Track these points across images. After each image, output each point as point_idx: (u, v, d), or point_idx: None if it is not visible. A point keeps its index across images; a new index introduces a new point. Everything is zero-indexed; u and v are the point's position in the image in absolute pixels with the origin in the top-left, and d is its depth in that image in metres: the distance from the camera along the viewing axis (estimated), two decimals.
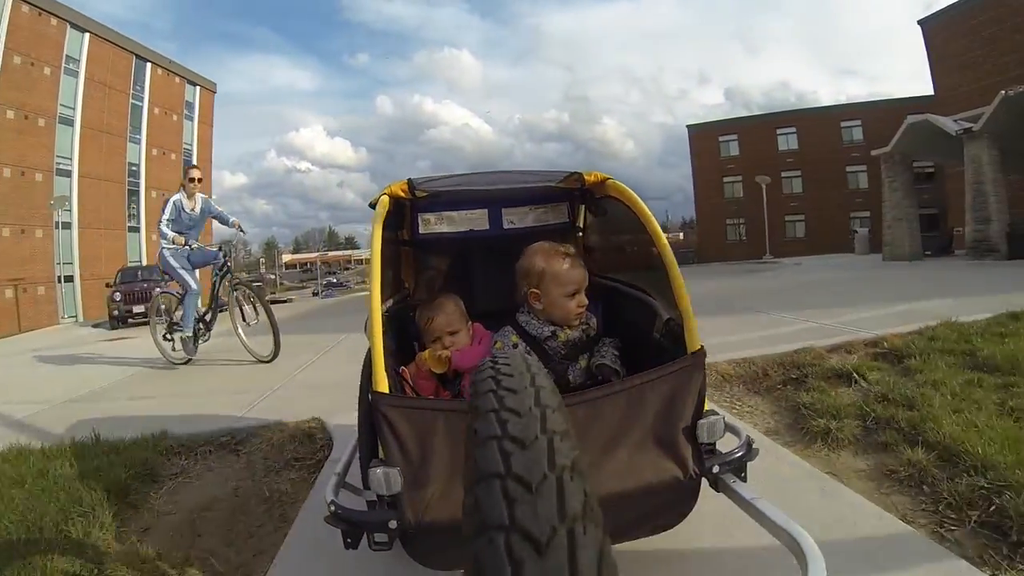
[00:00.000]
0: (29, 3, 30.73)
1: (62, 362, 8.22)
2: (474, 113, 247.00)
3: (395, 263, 2.36)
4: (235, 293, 6.30)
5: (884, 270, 14.04)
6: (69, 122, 32.94)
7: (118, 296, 16.84)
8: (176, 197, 6.31)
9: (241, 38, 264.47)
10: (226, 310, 6.47)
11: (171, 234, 6.06)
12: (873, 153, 19.29)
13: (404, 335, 2.22)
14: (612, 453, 1.46)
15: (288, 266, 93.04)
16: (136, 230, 37.36)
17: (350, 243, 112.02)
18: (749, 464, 1.59)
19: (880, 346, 4.15)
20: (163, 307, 6.99)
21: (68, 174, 32.72)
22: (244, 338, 6.40)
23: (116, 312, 16.80)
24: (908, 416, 2.78)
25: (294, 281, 72.56)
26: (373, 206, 1.90)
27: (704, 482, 1.56)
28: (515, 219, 2.51)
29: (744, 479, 1.53)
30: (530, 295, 1.98)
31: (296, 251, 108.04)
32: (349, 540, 1.38)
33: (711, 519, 1.85)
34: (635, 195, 1.91)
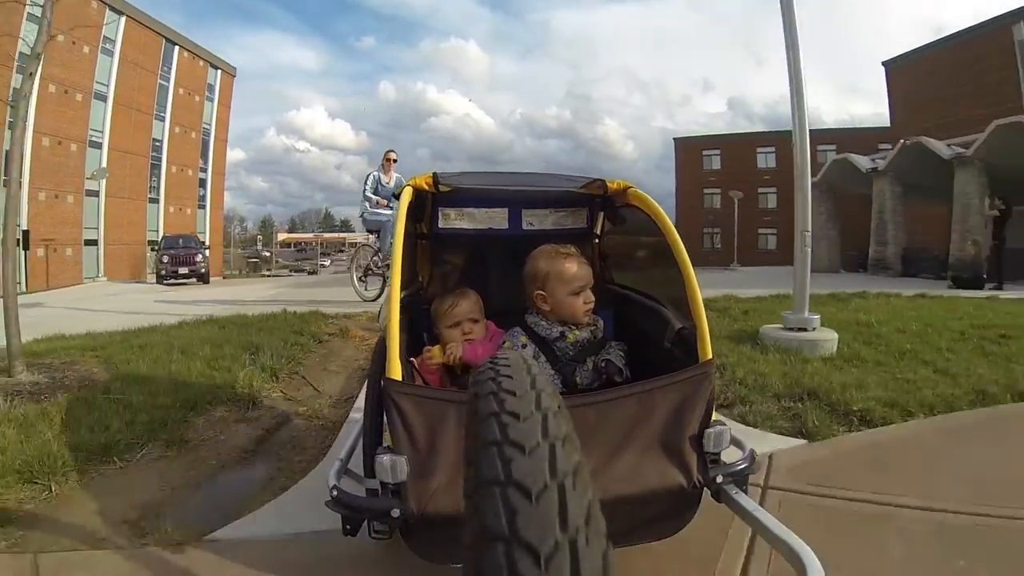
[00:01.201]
0: None
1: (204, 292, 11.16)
2: (475, 104, 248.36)
3: (411, 256, 2.33)
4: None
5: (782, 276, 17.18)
6: (103, 98, 35.65)
7: (166, 259, 20.21)
8: (375, 172, 8.08)
9: (249, 13, 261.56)
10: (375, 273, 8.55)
11: (375, 198, 7.80)
12: (811, 181, 22.64)
13: (415, 327, 2.19)
14: (618, 456, 1.45)
15: (283, 244, 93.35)
16: (156, 201, 40.10)
17: (345, 226, 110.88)
18: None
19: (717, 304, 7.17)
20: (360, 257, 9.06)
21: (99, 146, 35.42)
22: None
23: (164, 272, 20.03)
24: None
25: (289, 260, 73.21)
26: (397, 196, 1.87)
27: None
28: (534, 221, 2.49)
29: (746, 491, 1.54)
30: (536, 297, 1.99)
31: (292, 230, 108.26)
32: (348, 527, 1.41)
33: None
34: (657, 205, 1.91)
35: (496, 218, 2.47)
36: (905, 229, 17.92)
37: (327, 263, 63.67)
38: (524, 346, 1.95)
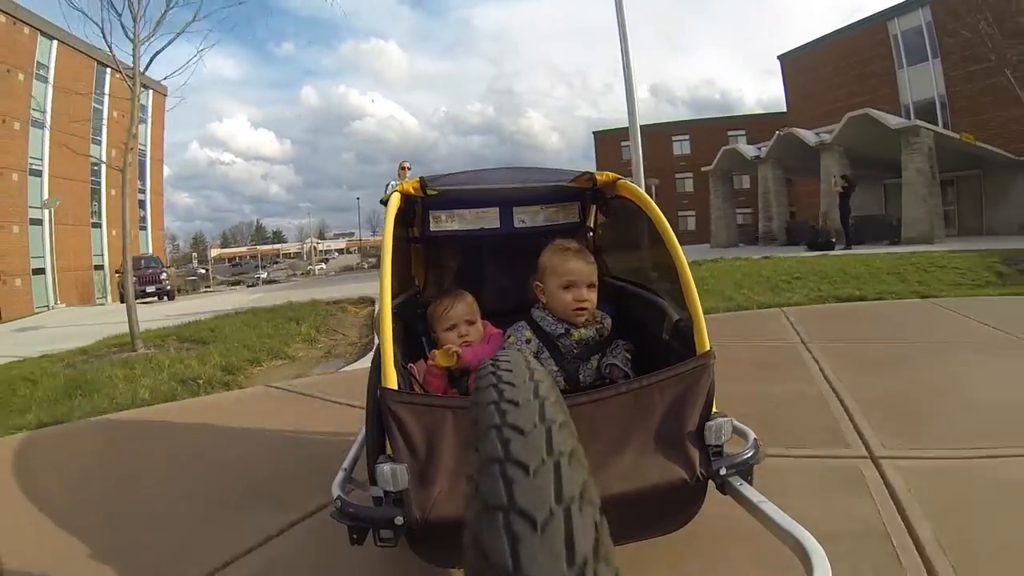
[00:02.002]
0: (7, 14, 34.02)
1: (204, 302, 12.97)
2: (400, 105, 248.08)
3: (405, 260, 2.38)
4: None
5: (696, 252, 19.92)
6: (40, 125, 36.18)
7: (134, 279, 21.59)
8: (392, 182, 10.99)
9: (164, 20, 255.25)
10: None
11: None
12: (702, 169, 25.75)
13: (412, 332, 2.21)
14: (619, 453, 1.45)
15: (217, 260, 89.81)
16: (99, 226, 40.73)
17: (278, 237, 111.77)
18: None
19: None
20: None
21: (40, 174, 36.02)
22: None
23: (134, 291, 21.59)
24: None
25: (225, 275, 71.65)
26: (385, 203, 1.90)
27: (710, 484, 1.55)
28: (526, 218, 2.49)
29: (751, 482, 1.52)
30: (535, 288, 2.03)
31: (224, 245, 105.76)
32: (355, 536, 1.41)
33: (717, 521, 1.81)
34: (646, 195, 1.92)
35: (487, 218, 2.46)
36: (787, 206, 21.08)
37: (264, 274, 63.43)
38: (528, 341, 1.95)
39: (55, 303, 33.68)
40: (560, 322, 1.96)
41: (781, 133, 19.78)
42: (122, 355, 6.04)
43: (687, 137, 49.67)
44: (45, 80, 36.71)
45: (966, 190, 23.75)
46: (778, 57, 35.99)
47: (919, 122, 17.35)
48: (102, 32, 6.58)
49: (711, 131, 48.02)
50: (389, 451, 1.41)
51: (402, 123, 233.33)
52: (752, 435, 1.65)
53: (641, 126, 38.37)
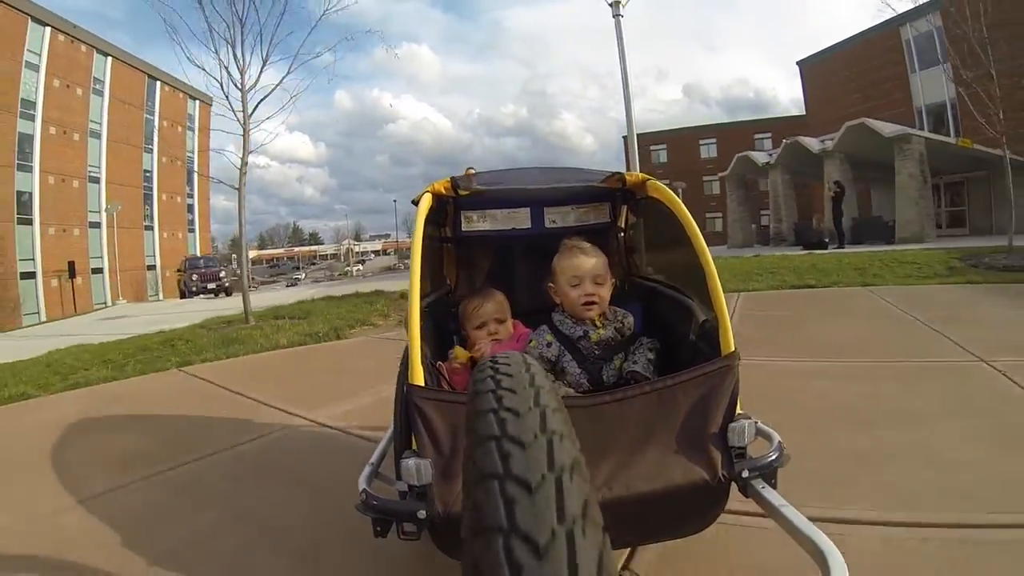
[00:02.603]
0: (67, 34, 36.64)
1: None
2: (433, 107, 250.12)
3: (436, 259, 2.40)
4: None
5: (713, 252, 21.45)
6: (98, 136, 38.85)
7: (195, 276, 24.06)
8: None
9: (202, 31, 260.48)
10: None
11: None
12: (719, 175, 27.03)
13: (443, 330, 2.25)
14: (642, 453, 1.45)
15: (255, 262, 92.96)
16: (151, 228, 43.29)
17: (314, 239, 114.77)
18: None
19: None
20: None
21: (98, 181, 38.63)
22: None
23: (194, 288, 23.92)
24: None
25: (263, 276, 74.61)
26: (416, 203, 1.92)
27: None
28: (557, 218, 2.51)
29: (774, 485, 1.51)
30: (548, 289, 2.06)
31: (261, 247, 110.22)
32: (378, 528, 1.43)
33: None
34: (675, 195, 1.90)
35: (518, 218, 2.48)
36: (796, 208, 22.32)
37: (302, 275, 65.50)
38: (549, 344, 1.96)
39: (111, 300, 36.08)
40: (578, 324, 1.97)
41: (788, 141, 21.18)
42: (241, 326, 7.83)
43: (714, 140, 50.57)
44: (101, 94, 39.28)
45: (976, 191, 24.57)
46: (797, 63, 36.92)
47: (909, 130, 18.42)
48: (220, 85, 8.20)
49: (738, 134, 48.73)
50: (415, 446, 1.43)
51: (436, 125, 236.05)
52: (777, 438, 1.62)
53: (669, 130, 39.74)
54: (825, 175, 19.29)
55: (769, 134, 47.75)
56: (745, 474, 1.47)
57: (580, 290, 1.97)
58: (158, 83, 44.76)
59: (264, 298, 15.71)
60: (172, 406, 4.34)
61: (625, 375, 1.92)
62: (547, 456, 0.73)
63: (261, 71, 8.06)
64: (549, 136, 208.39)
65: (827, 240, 17.29)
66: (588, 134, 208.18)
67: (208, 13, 8.05)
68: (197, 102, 49.67)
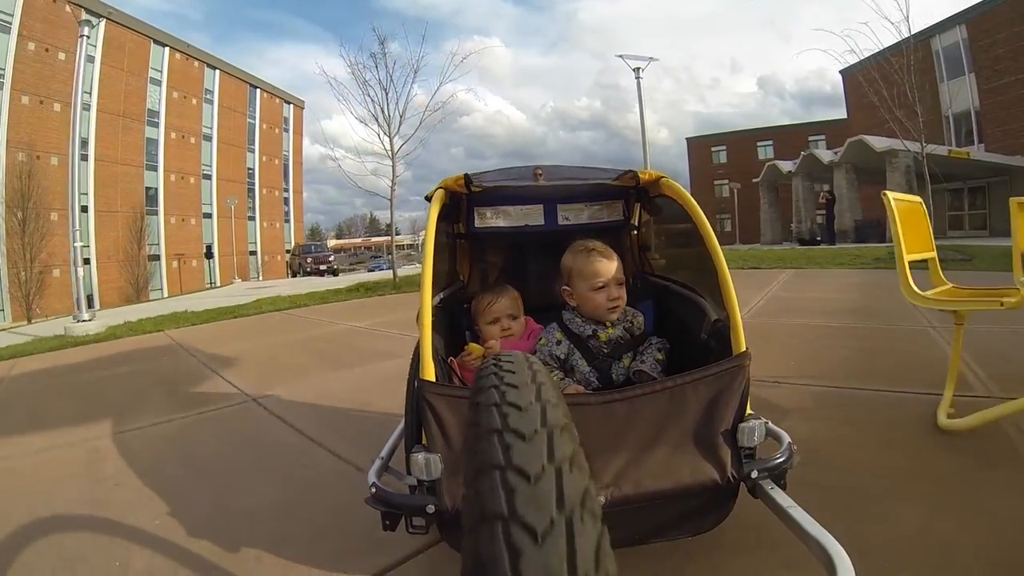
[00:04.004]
0: (183, 52, 42.53)
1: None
2: (507, 100, 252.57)
3: (450, 255, 2.40)
4: None
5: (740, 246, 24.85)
6: (209, 139, 44.76)
7: (309, 259, 31.08)
8: None
9: (275, 28, 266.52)
10: None
11: None
12: (753, 180, 30.21)
13: (456, 326, 2.26)
14: (651, 452, 1.44)
15: (334, 250, 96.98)
16: (253, 219, 49.24)
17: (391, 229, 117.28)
18: None
19: None
20: None
21: (210, 178, 44.52)
22: None
23: (308, 269, 30.40)
24: None
25: (345, 265, 79.51)
26: (428, 199, 1.91)
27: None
28: (570, 216, 2.50)
29: (783, 486, 1.50)
30: (563, 292, 2.03)
31: (339, 236, 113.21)
32: (387, 522, 1.44)
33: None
34: (688, 194, 1.89)
35: (531, 215, 2.47)
36: (813, 210, 25.45)
37: (385, 263, 70.35)
38: (559, 342, 1.96)
39: (219, 281, 41.63)
40: (588, 323, 1.97)
41: (805, 153, 24.42)
42: (390, 291, 10.60)
43: (770, 142, 52.44)
44: (211, 102, 45.16)
45: (995, 195, 26.76)
46: (840, 71, 39.16)
47: (896, 145, 20.97)
48: (378, 135, 12.40)
49: (793, 136, 49.88)
50: (425, 441, 1.44)
51: (509, 118, 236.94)
52: (787, 439, 1.58)
53: (729, 132, 42.79)
54: (835, 182, 22.47)
55: (823, 136, 49.15)
56: (754, 475, 1.46)
57: (605, 293, 1.93)
58: (258, 91, 50.52)
59: (357, 278, 18.24)
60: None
61: (632, 375, 1.91)
62: (547, 449, 0.74)
63: (400, 124, 12.06)
64: (623, 130, 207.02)
65: (819, 239, 20.65)
66: (663, 128, 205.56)
67: (372, 96, 12.11)
68: (291, 105, 55.70)
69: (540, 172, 2.00)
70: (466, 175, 1.99)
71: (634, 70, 14.54)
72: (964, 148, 24.56)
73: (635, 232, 2.57)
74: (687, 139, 58.27)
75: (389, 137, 11.87)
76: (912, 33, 14.82)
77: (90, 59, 34.92)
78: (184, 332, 7.38)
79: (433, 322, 1.54)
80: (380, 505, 1.42)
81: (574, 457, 0.74)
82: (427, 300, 1.55)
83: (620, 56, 14.53)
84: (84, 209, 34.47)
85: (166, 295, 35.90)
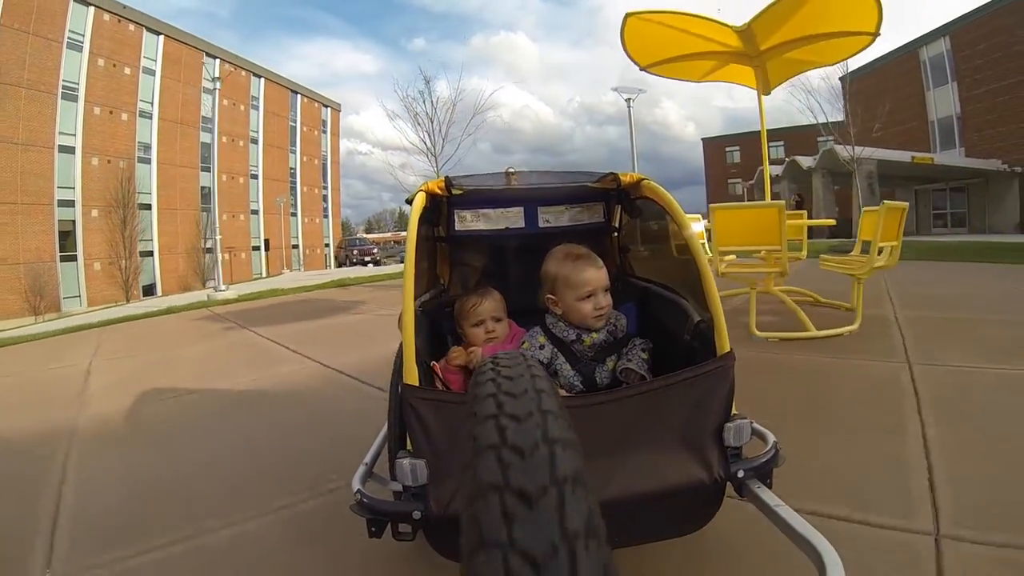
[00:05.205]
0: (232, 64, 46.51)
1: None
2: (534, 95, 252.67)
3: (431, 258, 2.40)
4: None
5: None
6: (255, 141, 48.83)
7: (355, 251, 35.29)
8: None
9: (302, 23, 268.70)
10: None
11: None
12: (749, 183, 33.17)
13: (437, 330, 2.23)
14: (638, 453, 1.44)
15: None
16: (295, 215, 53.32)
17: None
18: None
19: None
20: None
21: (256, 177, 48.57)
22: None
23: (354, 260, 34.46)
24: None
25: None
26: (410, 202, 1.90)
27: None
28: (551, 218, 2.48)
29: (770, 485, 1.51)
30: (547, 301, 1.98)
31: (368, 231, 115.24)
32: (373, 529, 1.42)
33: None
34: (669, 196, 1.88)
35: (512, 217, 2.46)
36: (793, 210, 28.54)
37: None
38: (542, 347, 1.93)
39: (266, 272, 45.48)
40: (572, 328, 1.93)
41: (787, 160, 27.41)
42: None
43: (781, 143, 54.68)
44: (257, 108, 49.19)
45: (974, 196, 29.03)
46: (840, 78, 41.67)
47: (860, 154, 23.88)
48: (427, 157, 15.68)
49: (801, 138, 51.38)
50: (410, 447, 1.42)
51: (537, 113, 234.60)
52: (772, 438, 1.60)
53: (742, 133, 45.78)
54: (813, 187, 25.50)
55: (832, 137, 51.62)
56: (741, 474, 1.46)
57: (593, 302, 1.90)
58: (298, 96, 54.48)
59: (399, 268, 21.79)
60: None
61: (619, 374, 1.88)
62: (549, 467, 0.71)
63: (443, 142, 15.29)
64: (651, 125, 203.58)
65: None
66: (691, 122, 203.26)
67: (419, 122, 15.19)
68: (329, 109, 59.70)
69: (513, 173, 2.03)
70: (446, 177, 2.01)
71: (626, 100, 17.41)
72: (928, 154, 27.31)
73: (616, 234, 2.57)
74: (703, 139, 60.90)
75: (435, 156, 15.25)
76: (849, 71, 17.80)
77: (151, 72, 39.26)
78: (295, 295, 10.94)
79: (416, 325, 1.51)
80: (365, 512, 1.40)
81: (577, 476, 0.71)
82: (409, 303, 1.54)
83: (614, 89, 17.39)
84: (147, 207, 38.69)
85: (220, 284, 39.52)
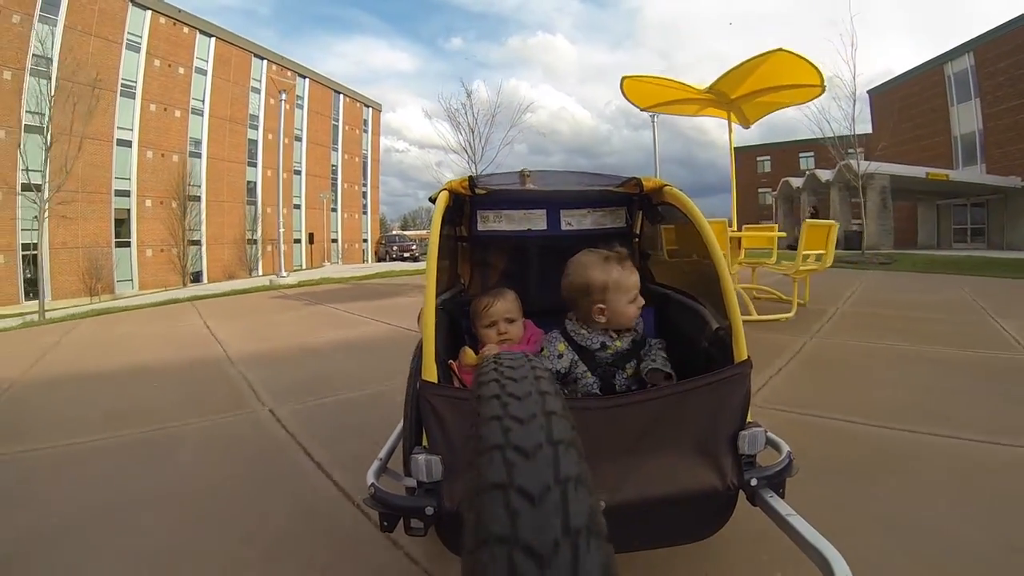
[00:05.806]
0: (278, 64, 48.76)
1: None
2: (572, 97, 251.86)
3: (452, 257, 2.39)
4: None
5: None
6: (299, 139, 51.11)
7: (395, 247, 37.38)
8: None
9: (340, 22, 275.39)
10: None
11: None
12: (772, 195, 34.34)
13: (456, 328, 2.23)
14: (653, 457, 1.45)
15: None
16: (336, 211, 55.78)
17: None
18: None
19: None
20: None
21: (299, 173, 50.90)
22: None
23: (393, 254, 36.62)
24: None
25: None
26: (433, 200, 1.92)
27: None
28: (573, 221, 2.49)
29: (782, 495, 1.52)
30: (595, 311, 1.91)
31: (404, 228, 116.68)
32: (386, 523, 1.44)
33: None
34: (691, 202, 1.88)
35: (534, 219, 2.46)
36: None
37: None
38: (561, 356, 1.91)
39: (305, 264, 47.43)
40: (594, 334, 1.91)
41: (808, 172, 28.71)
42: None
43: (812, 153, 54.45)
44: (301, 107, 51.46)
45: (994, 212, 29.79)
46: (868, 91, 42.18)
47: (873, 169, 24.69)
48: (466, 161, 17.02)
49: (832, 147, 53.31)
50: (425, 443, 1.44)
51: (574, 115, 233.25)
52: (786, 447, 1.61)
53: (773, 143, 48.35)
54: (831, 198, 26.77)
55: (862, 149, 51.61)
56: (754, 483, 1.47)
57: (637, 304, 1.91)
58: (341, 96, 56.73)
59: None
60: None
61: (645, 375, 1.86)
62: (553, 467, 0.72)
63: (483, 148, 16.74)
64: (688, 130, 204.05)
65: None
66: (726, 129, 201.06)
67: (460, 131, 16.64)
68: (370, 109, 61.98)
69: (528, 174, 2.03)
70: (470, 177, 2.03)
71: (651, 117, 18.82)
72: (943, 170, 28.21)
73: (636, 239, 2.54)
74: (734, 148, 61.28)
75: (475, 162, 16.87)
76: (855, 91, 19.06)
77: (203, 72, 41.71)
78: (347, 284, 12.61)
79: (435, 323, 1.52)
80: (379, 506, 1.42)
81: (580, 476, 0.72)
82: (431, 301, 1.54)
83: (642, 109, 18.69)
84: (197, 199, 41.07)
85: (261, 274, 42.04)
